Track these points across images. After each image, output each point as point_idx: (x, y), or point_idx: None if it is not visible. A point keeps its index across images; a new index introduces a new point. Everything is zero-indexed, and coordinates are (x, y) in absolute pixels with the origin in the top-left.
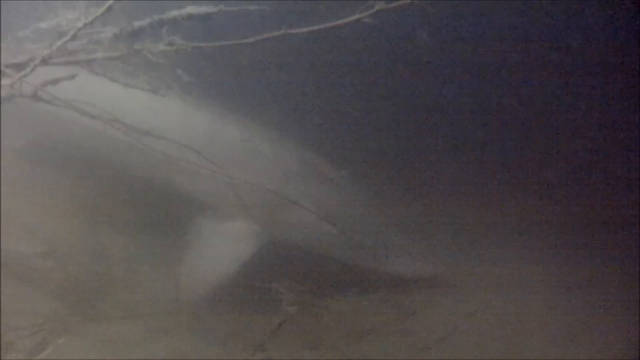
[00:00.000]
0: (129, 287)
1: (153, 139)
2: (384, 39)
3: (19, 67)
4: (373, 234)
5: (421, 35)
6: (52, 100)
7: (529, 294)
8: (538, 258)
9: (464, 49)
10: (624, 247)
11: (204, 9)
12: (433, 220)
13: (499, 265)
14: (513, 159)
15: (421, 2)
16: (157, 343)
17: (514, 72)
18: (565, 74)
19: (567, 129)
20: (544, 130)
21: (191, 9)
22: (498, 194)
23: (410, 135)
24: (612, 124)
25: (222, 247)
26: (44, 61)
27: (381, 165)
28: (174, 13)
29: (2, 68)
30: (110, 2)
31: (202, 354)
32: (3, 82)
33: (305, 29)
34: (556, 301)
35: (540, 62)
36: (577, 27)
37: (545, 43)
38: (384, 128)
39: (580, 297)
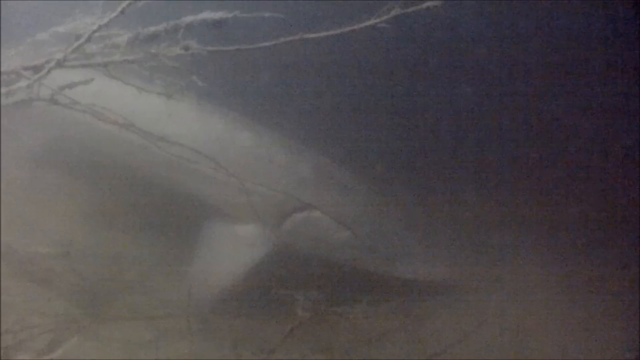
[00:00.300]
0: (141, 289)
1: (167, 143)
2: (400, 43)
3: (36, 69)
4: (386, 239)
5: (433, 40)
6: (68, 104)
7: (543, 298)
8: (554, 261)
9: (464, 47)
10: (624, 247)
11: (219, 14)
12: (446, 225)
13: (513, 271)
14: (512, 159)
15: (437, 3)
16: (167, 345)
17: (513, 72)
18: (565, 74)
19: (567, 129)
20: (544, 130)
21: (206, 15)
22: (511, 198)
23: (428, 141)
24: (612, 124)
25: (233, 251)
26: (59, 64)
27: (396, 171)
28: (190, 18)
29: (20, 70)
30: (125, 4)
31: (211, 356)
32: (19, 84)
33: (321, 34)
34: (557, 302)
35: (540, 62)
36: (577, 27)
37: (546, 43)
38: (400, 134)
39: (580, 297)
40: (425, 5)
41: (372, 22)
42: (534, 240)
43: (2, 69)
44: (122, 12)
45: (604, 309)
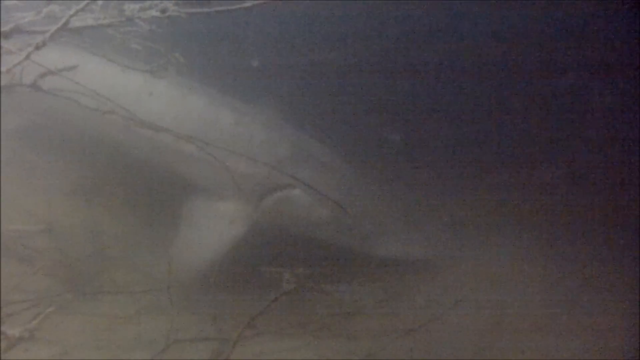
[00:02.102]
0: (123, 264)
1: (148, 122)
2: (387, 23)
3: (5, 35)
4: (365, 217)
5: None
6: (51, 90)
7: (520, 287)
8: (532, 252)
9: (464, 47)
10: (624, 247)
11: None
12: (426, 206)
13: (491, 256)
14: (512, 157)
15: None
16: (149, 319)
17: (513, 71)
18: (565, 74)
19: (567, 129)
20: (544, 130)
21: None
22: (496, 188)
23: (406, 120)
24: (612, 124)
25: (214, 228)
26: (38, 48)
27: (375, 149)
28: None
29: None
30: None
31: (192, 330)
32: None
33: None
34: (553, 299)
35: (540, 62)
36: (577, 27)
37: (545, 43)
38: (379, 111)
39: (579, 297)
40: None
41: None
42: (528, 234)
43: None
44: None
45: (603, 309)
